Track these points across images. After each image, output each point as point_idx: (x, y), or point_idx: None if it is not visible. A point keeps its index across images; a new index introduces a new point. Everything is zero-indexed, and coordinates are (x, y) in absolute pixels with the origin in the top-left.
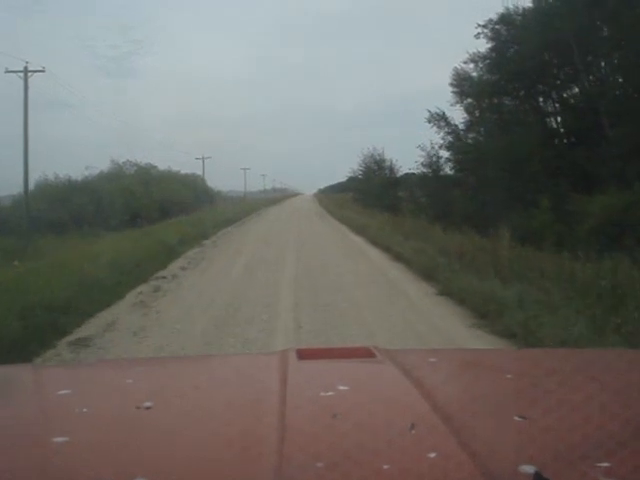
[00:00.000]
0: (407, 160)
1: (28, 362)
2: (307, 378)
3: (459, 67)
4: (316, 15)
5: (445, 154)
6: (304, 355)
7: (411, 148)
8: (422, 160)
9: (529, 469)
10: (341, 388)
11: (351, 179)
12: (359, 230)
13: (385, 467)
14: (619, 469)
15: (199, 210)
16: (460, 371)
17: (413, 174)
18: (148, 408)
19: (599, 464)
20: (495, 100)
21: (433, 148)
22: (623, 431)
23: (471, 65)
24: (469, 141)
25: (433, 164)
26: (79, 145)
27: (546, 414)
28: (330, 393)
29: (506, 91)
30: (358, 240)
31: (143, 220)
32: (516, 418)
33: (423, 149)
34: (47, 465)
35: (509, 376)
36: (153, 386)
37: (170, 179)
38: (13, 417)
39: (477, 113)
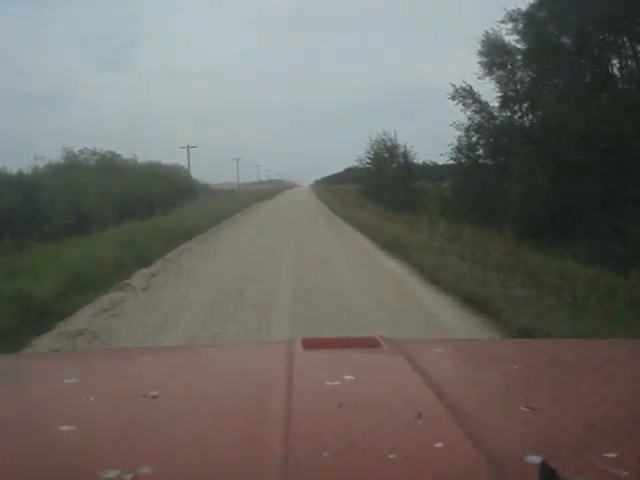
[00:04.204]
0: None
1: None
2: (313, 367)
3: (490, 31)
4: (319, 4)
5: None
6: (309, 344)
7: (415, 141)
8: (457, 143)
9: (536, 459)
10: (347, 377)
11: (349, 170)
12: (395, 249)
13: (391, 456)
14: (626, 459)
15: (176, 208)
16: (466, 361)
17: (434, 163)
18: (154, 397)
19: (606, 454)
20: (555, 63)
21: (469, 129)
22: (630, 421)
23: (509, 25)
24: (498, 120)
25: (472, 147)
26: (61, 137)
27: (552, 404)
28: (336, 382)
29: (570, 50)
30: (405, 275)
31: (93, 224)
32: (522, 408)
33: (459, 128)
34: (53, 453)
35: (515, 366)
36: (159, 375)
37: (140, 171)
38: (19, 406)
39: (511, 85)
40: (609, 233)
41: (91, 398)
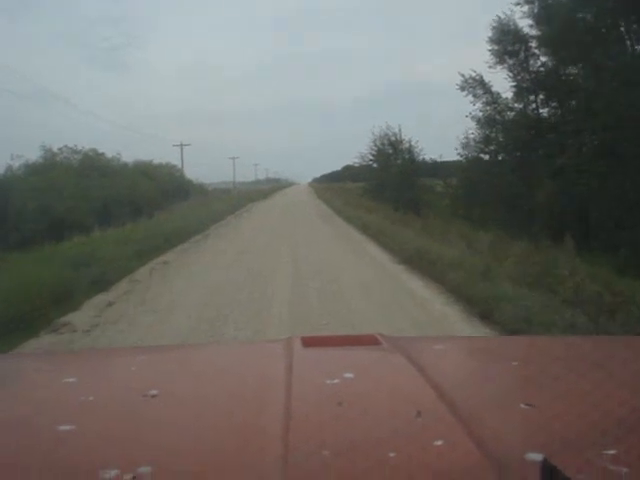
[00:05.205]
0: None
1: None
2: (312, 366)
3: (503, 16)
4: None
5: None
6: (309, 342)
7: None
8: (469, 137)
9: (536, 456)
10: (346, 376)
11: (347, 168)
12: (419, 266)
13: (391, 455)
14: (626, 456)
15: (164, 210)
16: (466, 358)
17: (433, 160)
18: (154, 396)
19: (606, 451)
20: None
21: (481, 120)
22: (630, 418)
23: (525, 8)
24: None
25: (488, 141)
26: (51, 138)
27: (553, 401)
28: (335, 381)
29: (598, 32)
30: (444, 309)
31: (68, 230)
32: (523, 405)
33: (475, 119)
34: (52, 453)
35: (515, 363)
36: (158, 374)
37: (126, 170)
38: (18, 405)
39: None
40: None
41: (90, 397)
